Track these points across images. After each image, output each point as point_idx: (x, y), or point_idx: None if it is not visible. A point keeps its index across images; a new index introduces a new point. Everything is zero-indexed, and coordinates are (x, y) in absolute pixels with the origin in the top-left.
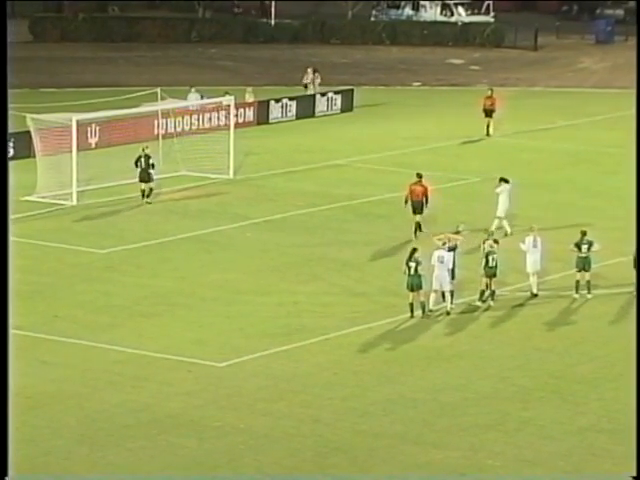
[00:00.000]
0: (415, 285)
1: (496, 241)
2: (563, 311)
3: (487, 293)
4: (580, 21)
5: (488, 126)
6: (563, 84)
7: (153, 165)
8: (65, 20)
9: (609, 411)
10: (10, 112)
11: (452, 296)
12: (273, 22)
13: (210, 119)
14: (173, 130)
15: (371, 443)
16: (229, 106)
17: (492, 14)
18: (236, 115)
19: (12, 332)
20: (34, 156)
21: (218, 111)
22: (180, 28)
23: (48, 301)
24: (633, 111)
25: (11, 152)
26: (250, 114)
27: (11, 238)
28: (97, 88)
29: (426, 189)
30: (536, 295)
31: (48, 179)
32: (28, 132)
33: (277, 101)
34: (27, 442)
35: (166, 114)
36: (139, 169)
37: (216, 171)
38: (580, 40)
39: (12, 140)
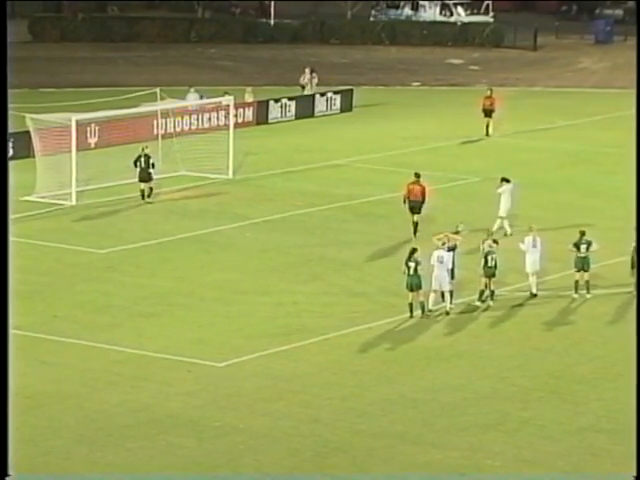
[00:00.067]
0: (414, 285)
1: (495, 241)
2: (562, 311)
3: (486, 293)
4: (579, 21)
5: (487, 126)
6: (562, 84)
7: (153, 165)
8: (64, 20)
9: (608, 411)
10: (9, 112)
11: (451, 296)
12: (272, 22)
13: (209, 119)
14: (172, 130)
15: (370, 443)
16: (228, 106)
17: (491, 14)
18: (235, 115)
19: (11, 332)
20: (33, 156)
21: (217, 111)
22: (179, 28)
23: (47, 301)
24: (633, 111)
25: (10, 152)
26: (249, 114)
27: (10, 238)
28: (96, 88)
29: (424, 188)
30: (535, 295)
31: (47, 179)
32: (27, 132)
33: (276, 101)
34: (26, 442)
35: (165, 114)
36: (138, 169)
37: (215, 171)
38: (579, 40)
39: (11, 140)
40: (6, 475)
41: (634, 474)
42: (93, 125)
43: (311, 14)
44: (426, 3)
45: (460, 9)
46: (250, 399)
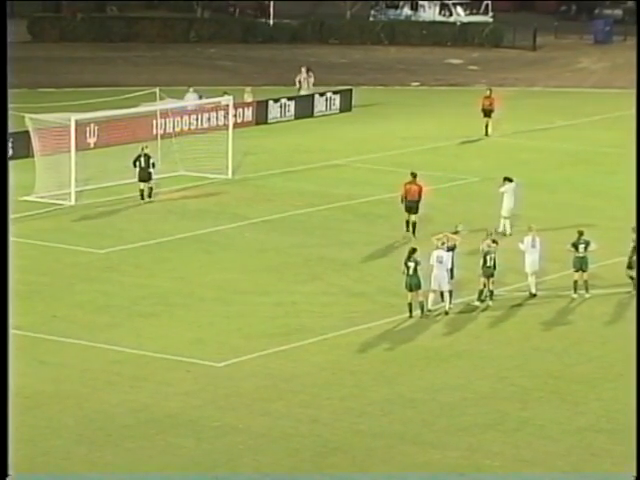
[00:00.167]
0: (414, 285)
1: (495, 241)
2: (561, 311)
3: (485, 292)
4: (579, 21)
5: (487, 126)
6: (562, 84)
7: (154, 164)
8: (64, 20)
9: (608, 411)
10: (9, 112)
11: (451, 296)
12: (272, 22)
13: (209, 119)
14: (172, 130)
15: (370, 443)
16: (228, 106)
17: (491, 14)
18: (235, 115)
19: (11, 332)
20: (33, 156)
21: (217, 111)
22: (179, 28)
23: (47, 301)
24: (632, 111)
25: (10, 152)
26: (249, 114)
27: (10, 238)
28: (96, 88)
29: (421, 188)
30: (535, 295)
31: (47, 179)
32: (27, 132)
33: (276, 101)
34: (26, 442)
35: (165, 114)
36: (138, 169)
37: (215, 171)
38: (579, 40)
39: (11, 140)
40: (6, 475)
41: (634, 474)
42: (92, 125)
43: (310, 14)
44: (425, 3)
45: (459, 9)
46: (249, 399)
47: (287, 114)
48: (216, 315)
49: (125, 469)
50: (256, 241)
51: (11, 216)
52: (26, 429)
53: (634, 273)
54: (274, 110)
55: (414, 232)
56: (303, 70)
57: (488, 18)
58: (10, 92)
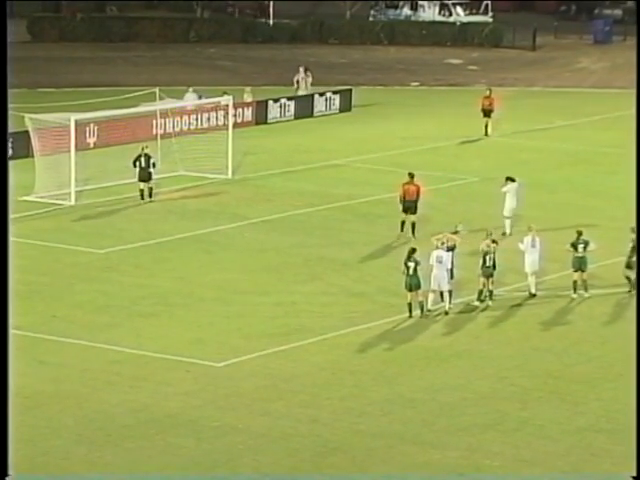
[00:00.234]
0: (414, 285)
1: (494, 241)
2: (561, 311)
3: (484, 292)
4: (578, 21)
5: (486, 126)
6: (561, 84)
7: (154, 164)
8: (63, 20)
9: (608, 411)
10: (9, 112)
11: (450, 296)
12: (271, 22)
13: (208, 119)
14: (171, 130)
15: (369, 443)
16: (227, 106)
17: (490, 14)
18: (234, 115)
19: (11, 332)
20: (32, 156)
21: (216, 111)
22: (178, 28)
23: (46, 301)
24: (632, 111)
25: (10, 152)
26: (248, 114)
27: (10, 238)
28: (95, 88)
29: (419, 188)
30: (534, 295)
31: (46, 179)
32: (26, 132)
33: (275, 101)
34: (25, 442)
35: (164, 114)
36: (138, 169)
37: (214, 171)
38: (578, 40)
39: (11, 140)
40: (6, 475)
41: (633, 474)
42: (92, 125)
43: (310, 14)
44: (425, 3)
45: (459, 9)
46: (249, 399)
47: (287, 114)
48: (216, 315)
49: (125, 469)
50: (256, 241)
51: (11, 216)
52: (26, 429)
53: (631, 273)
54: (274, 110)
55: (413, 232)
56: (301, 70)
57: (488, 18)
58: (10, 92)
